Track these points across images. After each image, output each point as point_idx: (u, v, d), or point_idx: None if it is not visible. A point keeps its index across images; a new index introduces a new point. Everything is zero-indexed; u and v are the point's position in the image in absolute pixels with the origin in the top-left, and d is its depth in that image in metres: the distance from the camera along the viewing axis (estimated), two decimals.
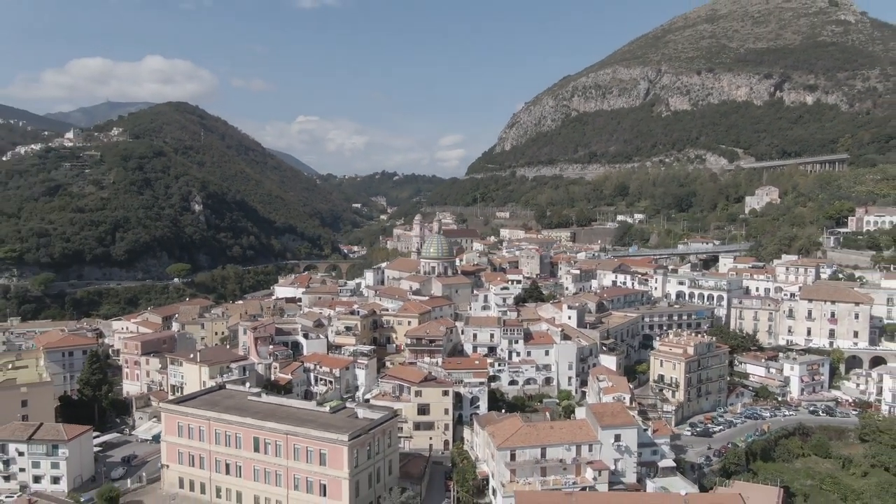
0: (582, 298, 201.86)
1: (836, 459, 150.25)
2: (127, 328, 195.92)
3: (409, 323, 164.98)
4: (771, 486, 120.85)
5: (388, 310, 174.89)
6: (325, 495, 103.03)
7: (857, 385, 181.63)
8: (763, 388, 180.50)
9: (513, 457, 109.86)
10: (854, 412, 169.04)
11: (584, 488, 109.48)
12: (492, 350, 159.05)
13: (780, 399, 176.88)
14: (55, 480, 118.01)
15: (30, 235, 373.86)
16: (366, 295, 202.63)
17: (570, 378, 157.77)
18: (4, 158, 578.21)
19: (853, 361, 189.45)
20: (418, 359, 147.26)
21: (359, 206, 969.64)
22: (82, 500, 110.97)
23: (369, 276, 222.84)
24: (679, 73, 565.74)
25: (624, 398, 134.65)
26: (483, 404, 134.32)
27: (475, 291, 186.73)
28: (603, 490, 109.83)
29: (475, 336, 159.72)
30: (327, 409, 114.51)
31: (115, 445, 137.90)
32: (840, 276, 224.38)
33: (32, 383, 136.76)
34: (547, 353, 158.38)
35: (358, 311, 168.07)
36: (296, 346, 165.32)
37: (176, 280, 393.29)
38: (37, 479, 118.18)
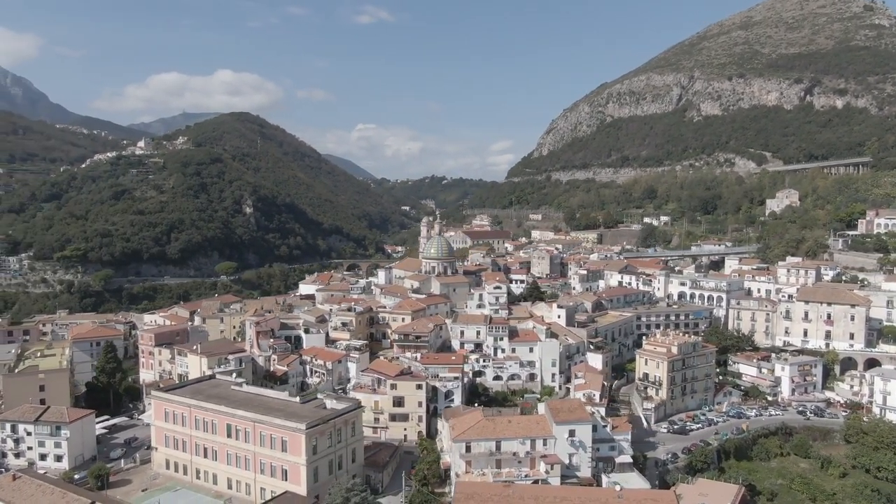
0: (579, 298, 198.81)
1: (816, 460, 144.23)
2: (155, 321, 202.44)
3: (403, 319, 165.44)
4: (733, 484, 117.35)
5: (385, 307, 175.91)
6: (286, 480, 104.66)
7: (851, 387, 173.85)
8: (753, 387, 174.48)
9: (468, 448, 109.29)
10: (844, 413, 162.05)
11: (536, 481, 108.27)
12: (478, 346, 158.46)
13: (769, 399, 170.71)
14: (58, 459, 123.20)
15: (94, 235, 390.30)
16: (374, 293, 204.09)
17: (553, 374, 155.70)
18: (83, 166, 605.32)
19: (848, 363, 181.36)
20: (404, 353, 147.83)
21: (407, 208, 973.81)
22: (76, 477, 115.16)
23: (381, 275, 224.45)
24: (711, 80, 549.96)
25: (594, 395, 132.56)
26: (457, 398, 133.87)
27: (473, 290, 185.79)
28: (555, 483, 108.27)
29: (462, 333, 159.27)
30: (297, 399, 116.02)
31: (122, 428, 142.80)
32: (844, 278, 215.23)
33: (50, 370, 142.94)
34: (531, 350, 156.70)
35: (354, 308, 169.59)
36: (298, 340, 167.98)
37: (223, 277, 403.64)
38: (42, 457, 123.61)
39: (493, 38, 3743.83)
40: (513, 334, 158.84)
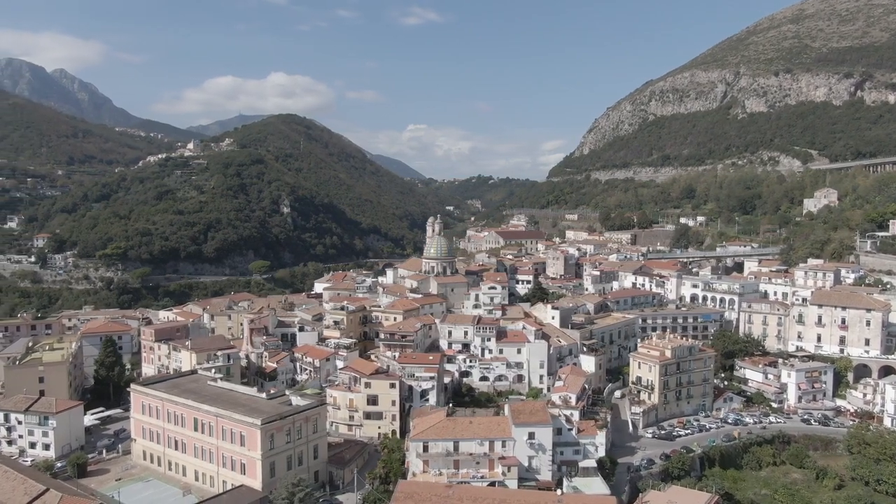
0: (582, 299, 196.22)
1: (811, 470, 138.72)
2: (168, 318, 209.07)
3: (395, 318, 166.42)
4: (706, 492, 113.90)
5: (379, 306, 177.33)
6: (244, 473, 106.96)
7: (864, 395, 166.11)
8: (758, 393, 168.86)
9: (425, 448, 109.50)
10: (851, 422, 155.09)
11: (493, 483, 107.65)
12: (466, 346, 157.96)
13: (774, 406, 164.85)
14: (46, 447, 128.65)
15: (135, 234, 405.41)
16: (379, 292, 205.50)
17: (541, 376, 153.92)
18: (134, 167, 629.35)
19: (863, 370, 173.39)
20: (384, 353, 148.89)
21: (451, 208, 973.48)
22: (58, 465, 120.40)
23: (389, 275, 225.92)
24: (756, 75, 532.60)
25: (570, 397, 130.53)
26: (432, 397, 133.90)
27: (470, 290, 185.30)
28: (512, 485, 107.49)
29: (450, 333, 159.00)
30: (264, 395, 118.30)
31: (116, 420, 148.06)
32: (868, 281, 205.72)
33: (50, 363, 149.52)
34: (519, 351, 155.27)
35: (346, 307, 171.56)
36: (293, 338, 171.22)
37: (256, 276, 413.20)
38: (32, 446, 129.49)
39: (541, 36, 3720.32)
40: (501, 335, 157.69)
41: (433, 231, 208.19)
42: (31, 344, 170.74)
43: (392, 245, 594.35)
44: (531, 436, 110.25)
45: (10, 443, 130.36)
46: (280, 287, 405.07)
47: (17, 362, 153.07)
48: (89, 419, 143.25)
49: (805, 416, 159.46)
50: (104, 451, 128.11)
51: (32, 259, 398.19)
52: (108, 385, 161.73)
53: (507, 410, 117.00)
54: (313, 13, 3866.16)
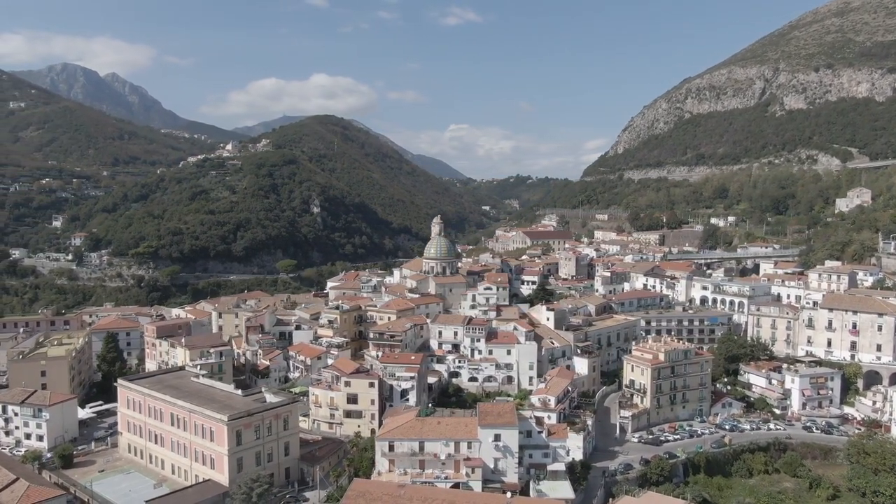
0: (583, 300, 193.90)
1: (804, 479, 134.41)
2: (178, 315, 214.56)
3: (389, 318, 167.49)
4: (681, 499, 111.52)
5: (375, 305, 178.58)
6: (213, 468, 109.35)
7: (874, 402, 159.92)
8: (760, 399, 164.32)
9: (391, 447, 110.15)
10: (857, 431, 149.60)
11: (457, 484, 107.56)
12: (455, 347, 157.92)
13: (777, 412, 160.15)
14: (40, 438, 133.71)
15: (167, 234, 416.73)
16: (382, 291, 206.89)
17: (531, 377, 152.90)
18: (173, 168, 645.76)
19: (874, 377, 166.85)
20: (372, 352, 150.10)
21: (487, 208, 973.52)
22: (47, 456, 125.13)
23: (396, 274, 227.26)
24: (796, 71, 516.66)
25: (549, 400, 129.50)
26: (413, 397, 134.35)
27: (468, 291, 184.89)
28: (476, 487, 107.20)
29: (440, 333, 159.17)
30: (240, 392, 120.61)
31: (114, 413, 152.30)
32: (888, 283, 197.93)
33: (53, 357, 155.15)
34: (509, 352, 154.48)
35: (341, 306, 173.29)
36: (291, 336, 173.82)
37: (282, 274, 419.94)
38: (27, 437, 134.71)
39: (582, 34, 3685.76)
40: (492, 336, 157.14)
41: (435, 231, 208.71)
42: (41, 339, 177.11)
43: (423, 245, 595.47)
44: (497, 437, 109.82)
45: (7, 433, 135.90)
46: (306, 286, 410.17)
47: (22, 356, 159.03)
48: (86, 412, 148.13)
49: (807, 424, 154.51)
50: (93, 444, 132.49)
51: (70, 257, 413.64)
52: (111, 379, 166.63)
53: (477, 411, 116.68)
54: (354, 15, 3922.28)
